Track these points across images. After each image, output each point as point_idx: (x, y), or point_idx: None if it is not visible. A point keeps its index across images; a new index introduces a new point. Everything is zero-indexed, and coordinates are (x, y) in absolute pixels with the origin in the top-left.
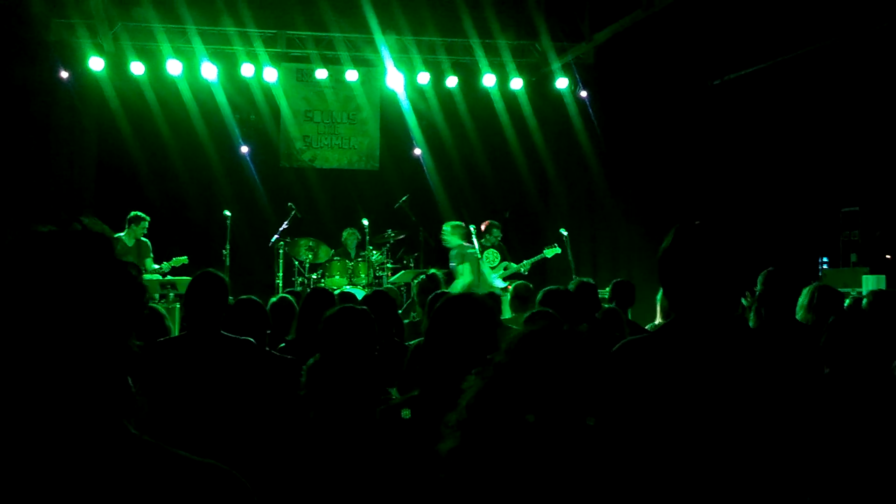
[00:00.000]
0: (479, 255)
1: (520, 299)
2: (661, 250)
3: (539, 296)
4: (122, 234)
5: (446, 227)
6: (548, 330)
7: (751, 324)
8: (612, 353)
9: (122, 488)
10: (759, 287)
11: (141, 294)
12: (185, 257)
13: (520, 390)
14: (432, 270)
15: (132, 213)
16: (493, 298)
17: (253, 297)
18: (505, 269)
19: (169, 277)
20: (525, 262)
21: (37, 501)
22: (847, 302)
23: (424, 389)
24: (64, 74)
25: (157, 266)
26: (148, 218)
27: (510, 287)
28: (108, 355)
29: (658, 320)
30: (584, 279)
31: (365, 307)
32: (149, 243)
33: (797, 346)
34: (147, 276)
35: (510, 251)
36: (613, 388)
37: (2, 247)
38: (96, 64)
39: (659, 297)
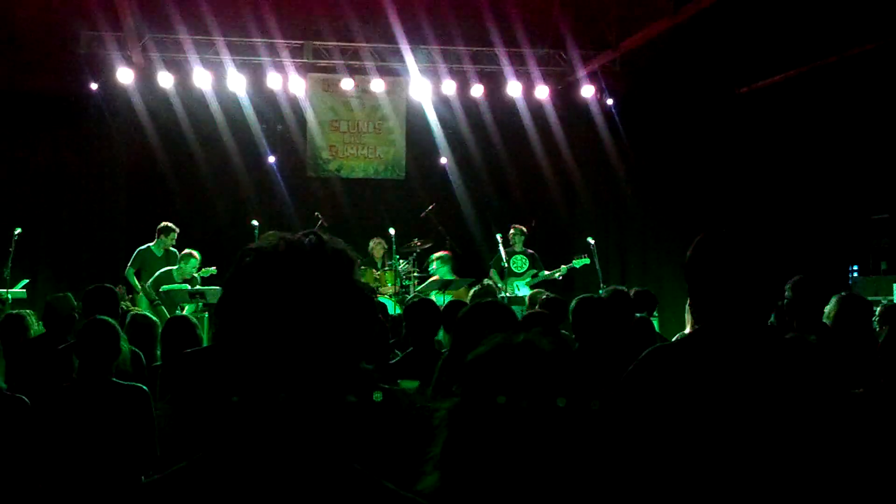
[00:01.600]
0: (505, 262)
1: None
2: (687, 258)
3: (573, 304)
4: (151, 244)
5: (433, 258)
6: (502, 347)
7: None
8: (639, 360)
9: None
10: (787, 295)
11: (376, 316)
12: (214, 268)
13: (484, 424)
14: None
15: (162, 224)
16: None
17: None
18: (533, 276)
19: (198, 287)
20: (563, 268)
21: None
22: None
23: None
24: (93, 86)
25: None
26: (177, 229)
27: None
28: (339, 377)
29: (688, 329)
30: (618, 287)
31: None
32: (178, 253)
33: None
34: (174, 287)
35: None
36: (639, 396)
37: (245, 255)
38: (125, 76)
39: (688, 306)
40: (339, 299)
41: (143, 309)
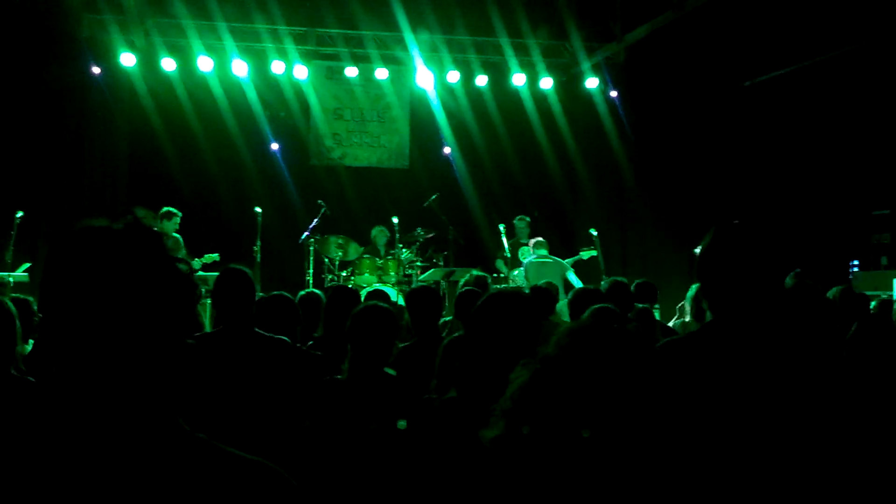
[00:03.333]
0: (509, 252)
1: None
2: (702, 250)
3: (570, 295)
4: (153, 229)
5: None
6: (598, 326)
7: None
8: (652, 353)
9: (175, 484)
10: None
11: (192, 290)
12: (217, 254)
13: (567, 384)
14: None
15: (164, 209)
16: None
17: (284, 292)
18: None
19: (200, 273)
20: (570, 259)
21: (91, 496)
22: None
23: (464, 386)
24: (96, 70)
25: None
26: (180, 213)
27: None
28: (160, 351)
29: (687, 318)
30: (617, 278)
31: (387, 305)
32: (181, 239)
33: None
34: None
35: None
36: (656, 389)
37: (56, 241)
38: (128, 60)
39: (689, 296)
40: (144, 276)
41: None
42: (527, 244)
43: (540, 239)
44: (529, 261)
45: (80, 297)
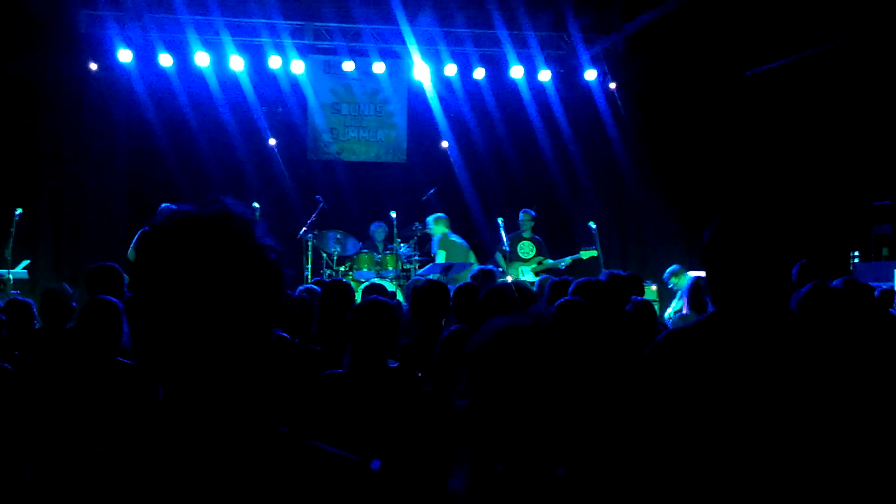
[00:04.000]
0: (508, 247)
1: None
2: (706, 241)
3: (572, 287)
4: None
5: (430, 220)
6: (506, 333)
7: None
8: (657, 344)
9: (268, 478)
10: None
11: (280, 279)
12: None
13: (492, 412)
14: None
15: (163, 205)
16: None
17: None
18: (539, 262)
19: None
20: (568, 258)
21: (187, 492)
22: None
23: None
24: (93, 67)
25: None
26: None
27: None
28: (249, 342)
29: (685, 311)
30: (615, 271)
31: (387, 300)
32: None
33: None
34: None
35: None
36: (659, 381)
37: (145, 230)
38: (125, 56)
39: (685, 287)
40: (234, 261)
41: None
42: (528, 238)
43: (442, 214)
44: (445, 235)
45: (174, 285)
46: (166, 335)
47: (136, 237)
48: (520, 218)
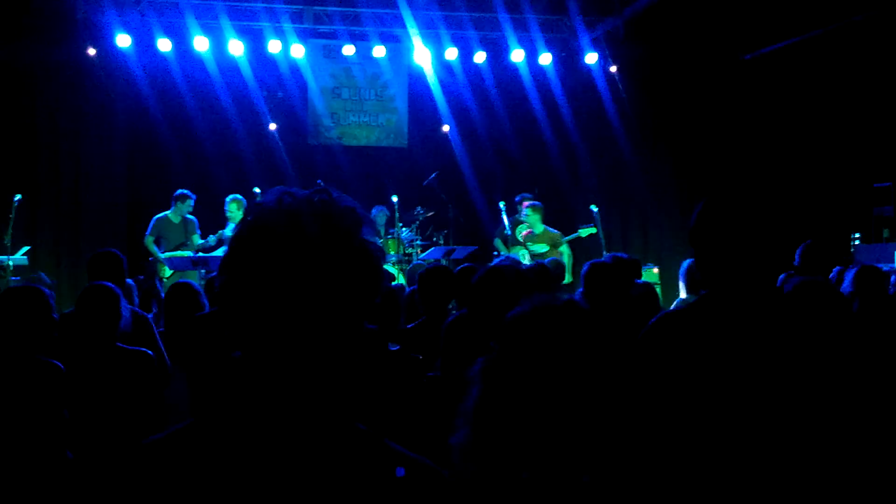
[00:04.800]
0: (509, 230)
1: None
2: (693, 222)
3: (584, 269)
4: (168, 211)
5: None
6: (541, 309)
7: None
8: (649, 327)
9: (343, 473)
10: (797, 260)
11: (381, 276)
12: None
13: (520, 382)
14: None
15: (178, 192)
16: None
17: None
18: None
19: (201, 255)
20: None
21: (264, 479)
22: None
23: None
24: (91, 52)
25: (202, 241)
26: (194, 196)
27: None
28: (344, 337)
29: (683, 294)
30: (618, 254)
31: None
32: (195, 220)
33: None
34: (177, 253)
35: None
36: (651, 364)
37: (250, 216)
38: (123, 41)
39: (682, 270)
40: (343, 257)
41: (167, 276)
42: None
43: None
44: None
45: (279, 275)
46: (265, 321)
47: (151, 223)
48: (516, 199)
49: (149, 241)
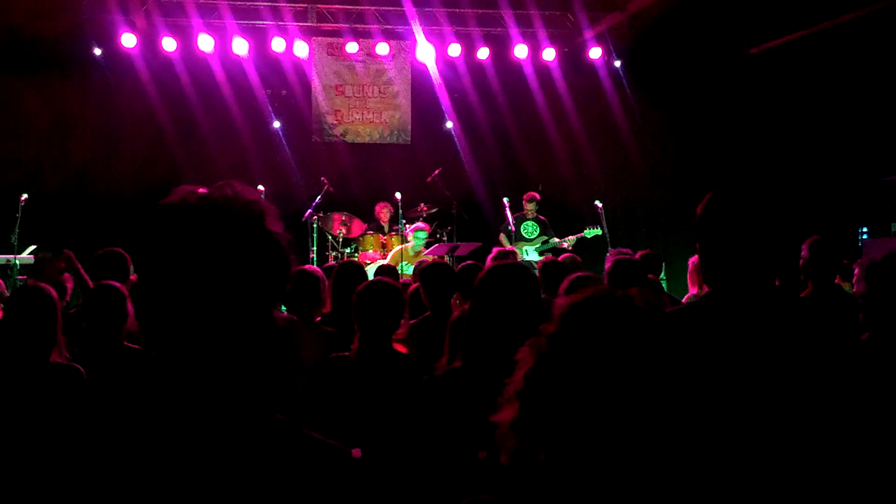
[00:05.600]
0: (513, 227)
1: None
2: (698, 217)
3: (607, 268)
4: None
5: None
6: (602, 295)
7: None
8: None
9: (259, 465)
10: (804, 255)
11: (289, 266)
12: None
13: (576, 360)
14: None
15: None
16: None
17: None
18: (543, 242)
19: None
20: (572, 238)
21: (177, 474)
22: None
23: (469, 361)
24: (97, 52)
25: None
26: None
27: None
28: (254, 327)
29: (694, 290)
30: (622, 250)
31: (391, 281)
32: None
33: (845, 314)
34: None
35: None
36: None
37: (155, 211)
38: (128, 41)
39: (691, 266)
40: (245, 249)
41: None
42: (531, 219)
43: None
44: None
45: (184, 268)
46: (172, 317)
47: None
48: (524, 201)
49: None
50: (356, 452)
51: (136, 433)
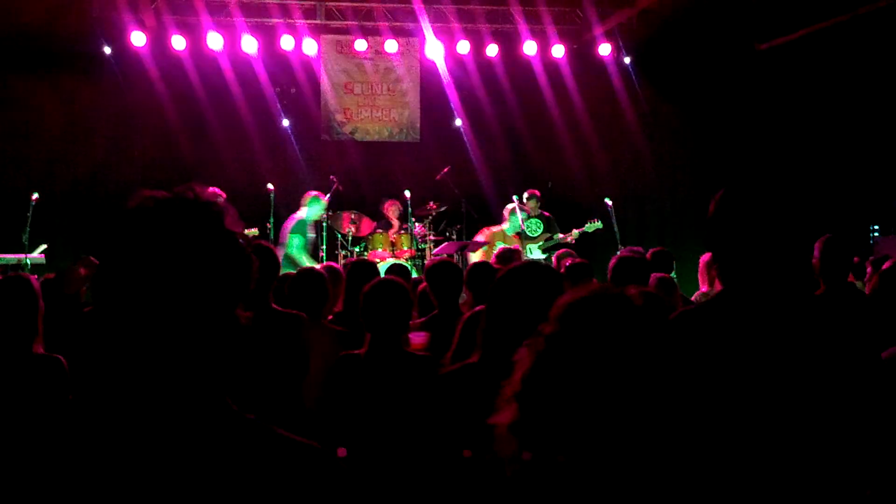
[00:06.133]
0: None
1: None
2: (710, 215)
3: (614, 262)
4: None
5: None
6: (599, 294)
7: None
8: (668, 324)
9: (227, 465)
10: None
11: (249, 265)
12: (256, 230)
13: (575, 361)
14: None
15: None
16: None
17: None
18: (547, 239)
19: None
20: (575, 232)
21: (140, 473)
22: None
23: (486, 357)
24: (107, 50)
25: None
26: (223, 195)
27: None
28: (215, 326)
29: (704, 288)
30: (635, 248)
31: (400, 280)
32: None
33: (858, 313)
34: None
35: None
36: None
37: (115, 215)
38: (138, 39)
39: (702, 264)
40: (204, 249)
41: None
42: (535, 216)
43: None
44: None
45: (135, 272)
46: (134, 317)
47: None
48: (524, 197)
49: None
50: (341, 452)
51: (96, 433)
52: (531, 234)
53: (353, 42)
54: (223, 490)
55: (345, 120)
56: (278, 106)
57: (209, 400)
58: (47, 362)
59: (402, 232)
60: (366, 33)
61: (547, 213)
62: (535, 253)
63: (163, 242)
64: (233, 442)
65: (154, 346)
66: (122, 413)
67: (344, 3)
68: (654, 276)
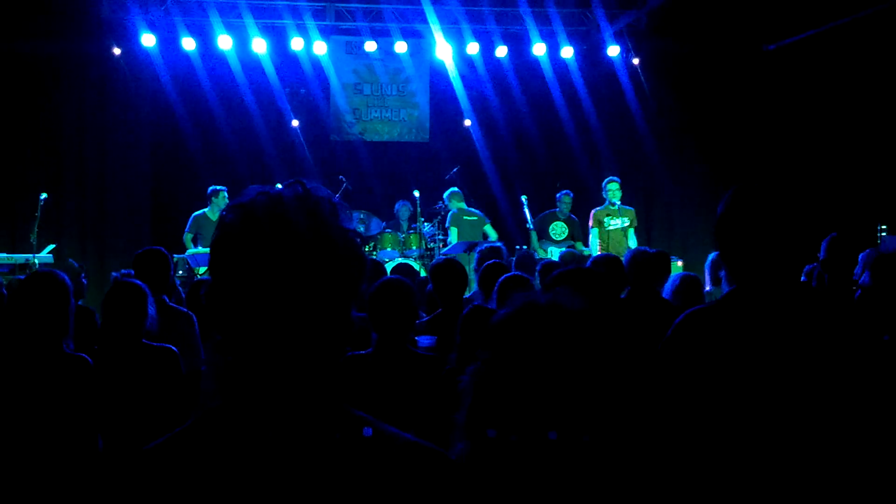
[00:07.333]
0: (532, 225)
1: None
2: (719, 215)
3: (627, 257)
4: (206, 209)
5: (445, 195)
6: (528, 308)
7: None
8: (677, 324)
9: (347, 466)
10: (822, 253)
11: (364, 263)
12: None
13: (515, 381)
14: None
15: (212, 188)
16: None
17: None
18: (569, 247)
19: None
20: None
21: (265, 475)
22: None
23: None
24: (117, 51)
25: None
26: (225, 188)
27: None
28: (332, 326)
29: (708, 287)
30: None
31: (405, 279)
32: None
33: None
34: (200, 250)
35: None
36: (680, 361)
37: (227, 212)
38: (148, 40)
39: (707, 263)
40: (327, 246)
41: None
42: (562, 219)
43: (456, 189)
44: (460, 210)
45: (262, 269)
46: (253, 320)
47: (189, 220)
48: (557, 197)
49: (187, 238)
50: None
51: (221, 439)
52: (554, 238)
53: (362, 43)
54: (355, 495)
55: (354, 120)
56: (288, 106)
57: (331, 406)
58: (75, 362)
59: (412, 231)
60: (375, 34)
61: (574, 217)
62: (555, 256)
63: (280, 240)
64: (358, 448)
65: (278, 352)
66: (250, 422)
67: (354, 4)
68: (679, 276)
